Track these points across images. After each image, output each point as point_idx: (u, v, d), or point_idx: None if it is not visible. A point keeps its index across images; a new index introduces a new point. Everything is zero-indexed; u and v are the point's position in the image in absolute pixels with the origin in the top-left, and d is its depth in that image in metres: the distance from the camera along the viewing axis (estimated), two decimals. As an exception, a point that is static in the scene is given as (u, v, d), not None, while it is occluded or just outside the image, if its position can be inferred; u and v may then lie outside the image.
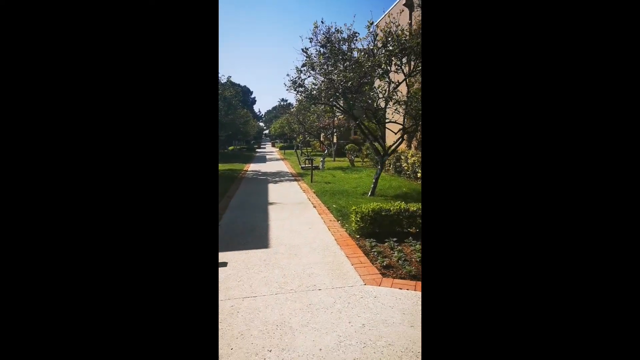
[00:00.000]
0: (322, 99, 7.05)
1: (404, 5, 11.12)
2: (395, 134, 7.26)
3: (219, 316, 2.50)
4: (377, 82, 6.94)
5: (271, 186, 9.16)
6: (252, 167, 15.33)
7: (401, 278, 3.16)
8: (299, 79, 6.91)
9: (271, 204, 6.69)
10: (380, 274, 3.24)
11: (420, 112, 6.12)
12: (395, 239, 4.02)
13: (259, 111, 72.48)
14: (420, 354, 2.04)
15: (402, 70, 6.55)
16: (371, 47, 6.11)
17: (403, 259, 3.52)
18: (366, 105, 6.55)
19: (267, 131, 62.13)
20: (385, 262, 3.45)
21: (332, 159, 17.86)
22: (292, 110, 22.80)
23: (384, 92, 6.58)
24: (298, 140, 25.68)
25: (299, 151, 20.77)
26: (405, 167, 9.83)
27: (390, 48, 5.96)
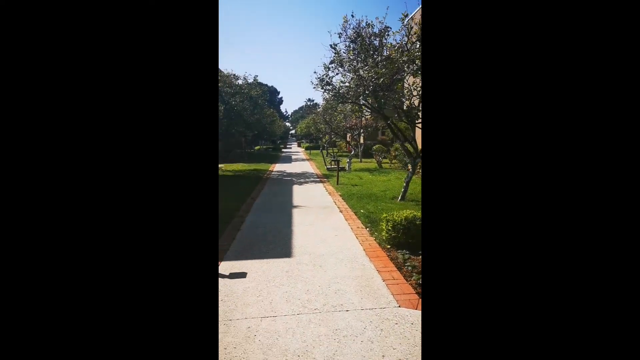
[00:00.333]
0: (351, 97, 6.69)
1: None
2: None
3: (233, 339, 2.22)
4: (410, 79, 6.49)
5: (296, 188, 8.90)
6: (278, 167, 15.18)
7: (441, 300, 2.75)
8: (326, 76, 6.59)
9: (295, 207, 6.41)
10: (416, 293, 2.85)
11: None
12: (431, 252, 3.60)
13: (286, 111, 73.04)
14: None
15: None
16: (405, 42, 5.68)
17: (442, 276, 3.11)
18: (399, 103, 6.12)
19: (293, 131, 62.40)
20: (421, 279, 3.05)
21: (359, 159, 17.42)
22: (318, 110, 22.56)
23: (418, 89, 6.13)
24: (324, 140, 25.41)
25: (324, 151, 20.47)
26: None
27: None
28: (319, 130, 23.29)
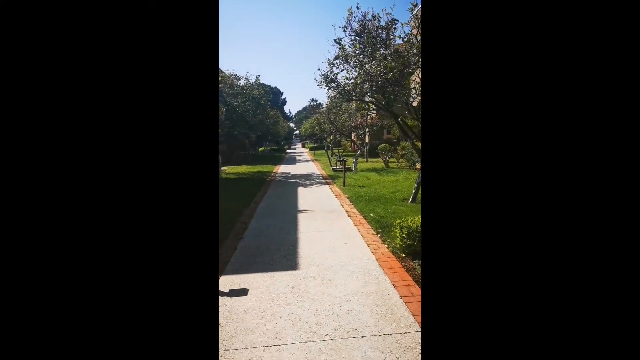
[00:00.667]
0: (356, 94, 6.35)
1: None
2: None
3: (232, 377, 1.89)
4: (421, 74, 6.13)
5: (301, 190, 8.57)
6: (282, 168, 14.87)
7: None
8: (330, 72, 6.25)
9: (301, 211, 6.08)
10: (439, 313, 2.50)
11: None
12: (452, 262, 3.26)
13: (289, 112, 72.80)
14: None
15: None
16: (414, 34, 5.32)
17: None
18: (410, 99, 5.76)
19: (297, 132, 62.17)
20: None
21: (365, 159, 17.05)
22: (322, 110, 22.23)
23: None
24: (329, 140, 25.08)
25: (329, 152, 20.13)
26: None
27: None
28: (323, 130, 22.97)
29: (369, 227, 4.86)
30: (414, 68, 5.21)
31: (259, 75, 12.16)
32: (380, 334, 2.27)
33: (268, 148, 32.04)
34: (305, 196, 7.66)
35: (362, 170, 12.29)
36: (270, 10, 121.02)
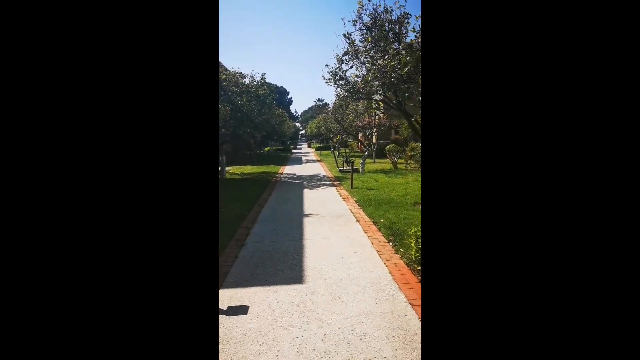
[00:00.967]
0: (367, 92, 6.02)
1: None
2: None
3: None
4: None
5: (307, 193, 8.25)
6: (287, 169, 14.57)
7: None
8: (339, 69, 5.93)
9: (307, 215, 5.76)
10: (466, 341, 2.17)
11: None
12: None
13: (295, 111, 72.61)
14: None
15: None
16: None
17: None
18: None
19: (303, 131, 61.90)
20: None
21: (372, 160, 16.69)
22: (328, 109, 21.90)
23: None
24: (335, 140, 24.75)
25: (335, 152, 19.78)
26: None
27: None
28: (329, 130, 22.63)
29: (380, 234, 4.53)
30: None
31: (264, 74, 11.80)
32: (399, 367, 1.95)
33: (274, 148, 31.77)
34: (311, 199, 7.34)
35: (369, 172, 11.95)
36: (277, 9, 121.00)
